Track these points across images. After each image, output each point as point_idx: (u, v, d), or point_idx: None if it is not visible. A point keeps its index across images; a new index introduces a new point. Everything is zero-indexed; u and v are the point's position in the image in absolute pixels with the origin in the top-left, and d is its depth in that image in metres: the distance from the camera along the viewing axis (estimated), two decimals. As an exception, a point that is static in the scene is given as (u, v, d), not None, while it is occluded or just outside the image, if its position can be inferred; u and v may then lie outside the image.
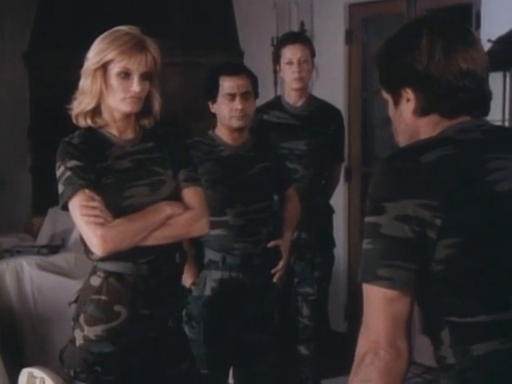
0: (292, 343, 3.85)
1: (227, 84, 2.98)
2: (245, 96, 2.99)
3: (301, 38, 3.97)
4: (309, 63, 3.75)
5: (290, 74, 3.75)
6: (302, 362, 3.88)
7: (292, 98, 3.84)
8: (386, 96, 1.59)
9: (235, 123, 3.00)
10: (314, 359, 3.88)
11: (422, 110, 1.51)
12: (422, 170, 1.40)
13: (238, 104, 2.97)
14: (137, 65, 2.32)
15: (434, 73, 1.47)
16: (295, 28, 5.22)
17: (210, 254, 2.99)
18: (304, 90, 3.83)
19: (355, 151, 5.19)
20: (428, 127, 1.51)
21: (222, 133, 3.06)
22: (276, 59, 3.89)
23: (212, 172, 2.97)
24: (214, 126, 3.10)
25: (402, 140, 1.58)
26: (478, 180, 1.41)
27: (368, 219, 1.44)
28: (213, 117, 3.08)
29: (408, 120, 1.54)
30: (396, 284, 1.40)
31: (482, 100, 1.55)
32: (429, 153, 1.41)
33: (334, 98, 4.47)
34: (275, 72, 4.06)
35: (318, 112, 3.86)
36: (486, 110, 1.56)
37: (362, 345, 1.48)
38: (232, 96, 2.97)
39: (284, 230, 3.21)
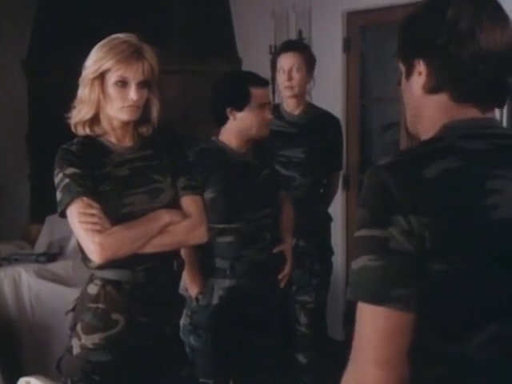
0: (290, 351, 3.84)
1: (260, 94, 3.00)
2: (269, 107, 3.06)
3: (295, 46, 3.97)
4: (302, 71, 3.76)
5: (281, 83, 3.79)
6: (300, 370, 3.88)
7: (290, 106, 3.85)
8: (401, 67, 1.51)
9: (264, 133, 3.05)
10: (312, 367, 3.88)
11: (431, 87, 1.42)
12: (425, 186, 1.29)
13: (269, 114, 3.02)
14: (134, 73, 2.33)
15: (453, 50, 1.37)
16: (293, 36, 5.23)
17: (218, 262, 2.99)
18: (300, 98, 3.84)
19: (353, 159, 5.19)
20: (434, 108, 1.43)
21: (228, 140, 3.06)
22: (273, 67, 3.91)
23: (223, 180, 2.98)
24: (217, 133, 3.10)
25: (408, 116, 1.51)
26: (475, 204, 1.31)
27: (368, 232, 1.30)
28: (218, 124, 3.07)
29: (416, 95, 1.46)
30: (411, 306, 1.27)
31: (498, 90, 1.42)
32: (432, 165, 1.31)
33: (332, 105, 4.48)
34: (273, 80, 4.07)
35: (316, 120, 3.86)
36: (500, 102, 1.44)
37: (356, 379, 1.29)
38: (263, 106, 3.00)
39: (284, 235, 3.22)
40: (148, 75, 2.36)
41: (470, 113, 1.41)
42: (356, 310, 1.32)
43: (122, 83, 2.33)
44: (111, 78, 2.33)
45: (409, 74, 1.47)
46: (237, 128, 3.03)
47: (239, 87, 3.02)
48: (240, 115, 3.01)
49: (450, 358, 1.32)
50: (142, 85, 2.35)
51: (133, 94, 2.33)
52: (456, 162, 1.32)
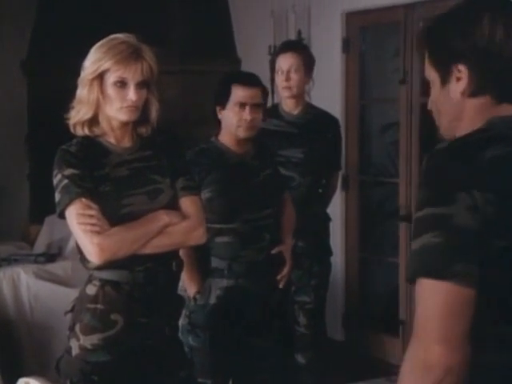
0: (289, 351, 3.84)
1: (240, 93, 2.98)
2: (255, 107, 3.00)
3: (294, 46, 3.97)
4: (300, 72, 3.76)
5: (279, 83, 3.80)
6: (299, 370, 3.87)
7: (288, 106, 3.85)
8: (433, 75, 1.51)
9: (242, 133, 3.00)
10: (312, 368, 3.87)
11: (473, 90, 1.44)
12: (487, 165, 1.32)
13: (247, 114, 2.98)
14: (132, 74, 2.33)
15: (494, 51, 1.41)
16: (292, 36, 5.23)
17: (216, 262, 2.99)
18: (299, 98, 3.84)
19: (352, 159, 5.19)
20: (474, 110, 1.45)
21: (226, 140, 3.06)
22: (272, 68, 3.92)
23: (221, 180, 2.98)
24: (217, 133, 3.10)
25: (444, 122, 1.52)
26: None
27: (431, 210, 1.31)
28: (217, 123, 3.08)
29: (455, 100, 1.46)
30: (473, 282, 1.27)
31: None
32: (489, 149, 1.35)
33: (332, 106, 4.48)
34: (272, 80, 4.07)
35: (315, 120, 3.86)
36: None
37: (419, 357, 1.29)
38: (243, 105, 2.97)
39: (284, 235, 3.21)
40: (147, 75, 2.36)
41: (510, 110, 1.45)
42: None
43: (121, 83, 2.33)
44: (110, 79, 2.33)
45: (446, 80, 1.47)
46: (224, 127, 3.05)
47: (222, 85, 3.04)
48: (224, 113, 3.02)
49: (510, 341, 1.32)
50: (141, 85, 2.35)
51: (132, 94, 2.33)
52: (508, 147, 1.36)
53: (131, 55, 2.32)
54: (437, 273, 1.28)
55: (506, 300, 1.32)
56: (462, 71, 1.44)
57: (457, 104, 1.47)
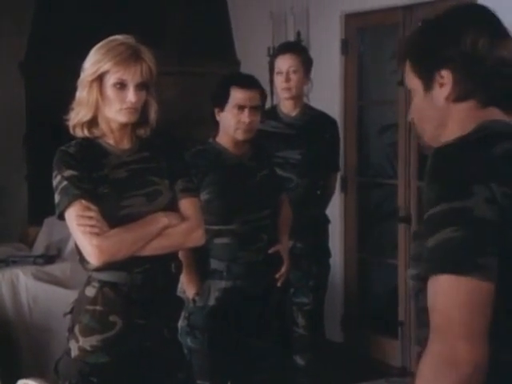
0: (288, 353, 3.84)
1: (239, 95, 2.98)
2: (254, 110, 3.00)
3: (292, 48, 3.98)
4: (299, 73, 3.77)
5: (278, 84, 3.81)
6: (297, 371, 3.87)
7: (287, 107, 3.86)
8: (415, 83, 1.52)
9: (240, 135, 3.01)
10: (310, 369, 3.87)
11: (458, 95, 1.45)
12: (498, 160, 1.33)
13: (246, 117, 2.98)
14: (132, 75, 2.33)
15: (478, 56, 1.43)
16: (291, 38, 5.23)
17: (214, 264, 2.99)
18: (298, 100, 3.84)
19: (351, 161, 5.19)
20: (461, 115, 1.46)
21: (224, 141, 3.06)
22: (271, 69, 3.92)
23: (218, 181, 2.98)
24: (215, 135, 3.10)
25: (429, 129, 1.52)
26: None
27: (448, 205, 1.28)
28: (215, 125, 3.08)
29: (439, 106, 1.47)
30: (494, 275, 1.25)
31: None
32: (495, 146, 1.35)
33: (330, 107, 4.48)
34: (271, 82, 4.07)
35: (313, 121, 3.87)
36: None
37: (445, 353, 1.25)
38: (241, 108, 2.98)
39: (281, 235, 3.22)
40: (146, 77, 2.36)
41: (497, 115, 1.46)
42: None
43: (121, 85, 2.33)
44: (110, 80, 2.33)
45: (429, 87, 1.48)
46: (222, 128, 3.05)
47: (220, 87, 3.04)
48: (222, 115, 3.03)
49: None
50: (141, 87, 2.35)
51: (131, 95, 2.33)
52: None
53: (131, 57, 2.32)
54: (460, 268, 1.25)
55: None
56: (445, 77, 1.45)
57: (441, 110, 1.47)
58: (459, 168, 1.32)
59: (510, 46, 1.46)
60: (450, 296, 1.26)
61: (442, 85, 1.46)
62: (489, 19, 1.49)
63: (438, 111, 1.48)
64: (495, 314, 1.27)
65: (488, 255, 1.25)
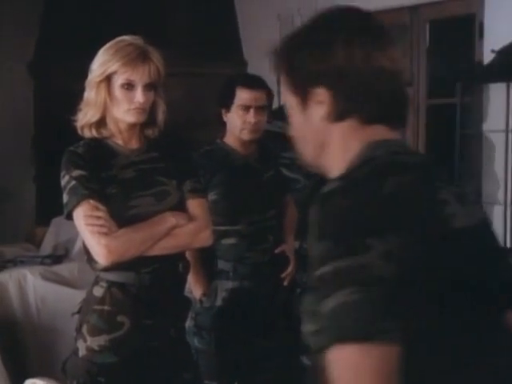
0: (295, 353, 3.84)
1: (244, 95, 2.99)
2: (259, 110, 3.00)
3: None
4: None
5: None
6: (304, 372, 3.87)
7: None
8: (291, 100, 1.36)
9: (246, 136, 3.01)
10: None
11: (337, 114, 1.29)
12: (390, 203, 1.15)
13: (251, 117, 2.98)
14: (140, 76, 2.33)
15: (355, 69, 1.27)
16: (298, 38, 5.23)
17: (221, 264, 3.00)
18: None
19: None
20: (343, 135, 1.31)
21: (231, 142, 3.07)
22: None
23: (226, 182, 2.99)
24: (222, 136, 3.11)
25: (308, 149, 1.38)
26: (436, 215, 1.19)
27: (339, 264, 1.10)
28: (222, 126, 3.09)
29: (317, 126, 1.32)
30: (402, 338, 1.08)
31: (402, 106, 1.35)
32: (384, 183, 1.17)
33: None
34: (278, 82, 4.06)
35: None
36: (404, 119, 1.36)
37: None
38: (247, 108, 2.97)
39: (286, 236, 3.22)
40: (154, 78, 2.36)
41: (382, 133, 1.32)
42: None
43: (129, 86, 2.34)
44: (118, 81, 2.34)
45: (305, 105, 1.33)
46: (229, 129, 3.05)
47: (226, 87, 3.04)
48: (229, 115, 3.03)
49: None
50: (149, 87, 2.36)
51: (139, 96, 2.33)
52: (406, 177, 1.21)
53: (138, 57, 2.33)
54: (363, 334, 1.07)
55: (451, 346, 1.16)
56: (321, 94, 1.30)
57: (320, 130, 1.32)
58: (347, 220, 1.14)
59: (392, 55, 1.31)
60: (355, 368, 1.07)
61: (319, 102, 1.30)
62: (365, 25, 1.32)
63: (317, 131, 1.33)
64: (422, 375, 1.14)
65: (394, 316, 1.08)
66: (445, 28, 5.27)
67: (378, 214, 1.14)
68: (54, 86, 5.72)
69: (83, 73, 2.41)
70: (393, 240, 1.11)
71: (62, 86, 5.32)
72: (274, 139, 3.65)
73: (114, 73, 2.33)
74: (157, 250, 2.34)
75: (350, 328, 1.08)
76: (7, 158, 5.86)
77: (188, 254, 2.63)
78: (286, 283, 3.15)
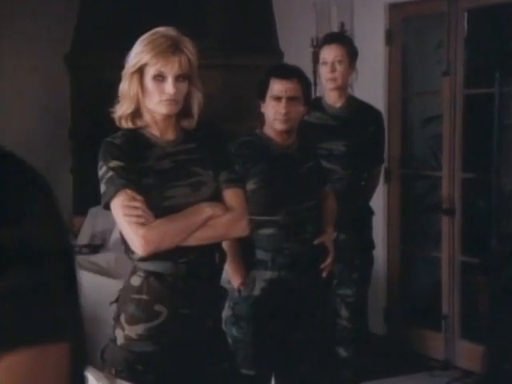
0: (331, 345, 3.83)
1: (276, 86, 3.00)
2: (292, 100, 3.00)
3: (337, 38, 3.96)
4: (344, 64, 3.74)
5: (324, 75, 3.79)
6: (340, 363, 3.87)
7: (331, 98, 3.83)
8: None
9: (278, 126, 3.02)
10: (353, 361, 3.87)
11: None
12: None
13: (282, 108, 2.98)
14: (170, 67, 2.33)
15: None
16: (335, 28, 5.20)
17: (260, 254, 3.00)
18: (342, 91, 3.82)
19: (395, 152, 5.15)
20: None
21: (270, 132, 3.07)
22: (315, 60, 3.90)
23: (265, 171, 2.99)
24: (261, 126, 3.12)
25: None
26: None
27: None
28: (261, 116, 3.11)
29: None
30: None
31: None
32: None
33: (374, 98, 4.45)
34: (314, 72, 4.06)
35: (358, 113, 3.84)
36: None
37: None
38: (279, 98, 2.98)
39: (326, 226, 3.21)
40: (186, 69, 2.36)
41: None
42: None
43: (160, 77, 2.34)
44: (149, 73, 2.35)
45: None
46: (266, 119, 3.07)
47: (262, 78, 3.06)
48: (264, 106, 3.05)
49: None
50: (180, 78, 2.36)
51: (170, 87, 2.34)
52: None
53: (169, 48, 2.33)
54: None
55: None
56: None
57: None
58: None
59: None
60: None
61: None
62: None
63: None
64: None
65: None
66: (483, 17, 5.20)
67: None
68: (91, 76, 5.77)
69: (120, 64, 2.42)
70: None
71: (100, 77, 5.36)
72: (311, 130, 3.65)
73: (146, 64, 2.35)
74: (193, 241, 2.35)
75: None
76: (45, 149, 5.92)
77: (226, 244, 2.64)
78: (324, 275, 3.15)
